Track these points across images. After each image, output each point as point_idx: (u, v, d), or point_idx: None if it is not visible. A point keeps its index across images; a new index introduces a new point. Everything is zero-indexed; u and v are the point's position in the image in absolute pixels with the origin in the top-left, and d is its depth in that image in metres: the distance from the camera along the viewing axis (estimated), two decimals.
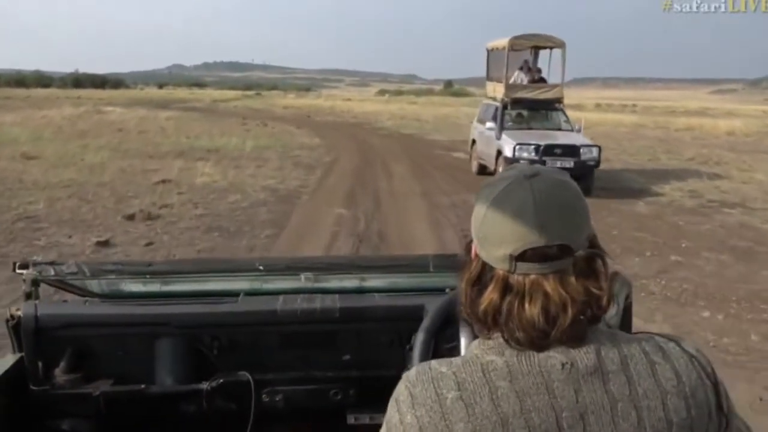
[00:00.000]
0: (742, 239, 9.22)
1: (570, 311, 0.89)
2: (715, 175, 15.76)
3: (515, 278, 0.91)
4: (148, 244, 7.99)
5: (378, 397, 1.14)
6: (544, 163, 11.81)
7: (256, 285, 2.11)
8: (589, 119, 39.35)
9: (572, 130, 13.60)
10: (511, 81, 14.41)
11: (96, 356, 1.94)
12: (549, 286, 0.90)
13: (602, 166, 13.13)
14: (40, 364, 1.89)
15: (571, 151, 12.08)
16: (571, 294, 0.89)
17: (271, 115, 41.74)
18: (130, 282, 2.07)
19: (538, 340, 0.90)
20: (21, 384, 1.87)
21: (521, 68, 14.91)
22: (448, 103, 64.28)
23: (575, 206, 0.93)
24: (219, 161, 16.25)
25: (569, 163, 11.91)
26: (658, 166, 17.78)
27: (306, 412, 2.01)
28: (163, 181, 12.47)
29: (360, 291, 2.11)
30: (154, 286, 2.07)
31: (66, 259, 3.09)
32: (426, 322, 1.57)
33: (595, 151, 12.34)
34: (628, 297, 1.68)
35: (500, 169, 11.12)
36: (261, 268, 2.10)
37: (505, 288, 0.92)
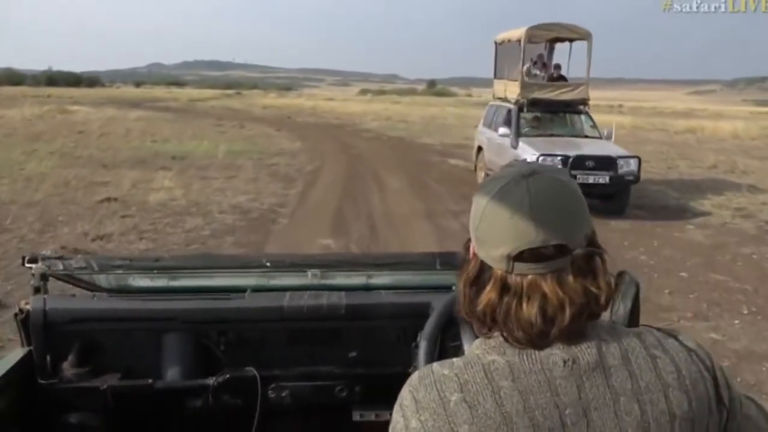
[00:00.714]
0: None
1: (568, 311, 0.88)
2: (753, 188, 13.77)
3: (513, 278, 0.91)
4: None
5: (383, 394, 1.14)
6: (574, 177, 9.72)
7: (263, 281, 2.11)
8: None
9: (601, 137, 11.52)
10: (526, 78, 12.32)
11: (104, 350, 1.95)
12: (547, 286, 0.89)
13: None
14: (48, 358, 1.90)
15: (607, 163, 9.97)
16: (569, 294, 0.89)
17: (250, 115, 39.52)
18: (137, 277, 2.07)
19: (537, 339, 0.89)
20: (29, 378, 1.88)
21: (534, 63, 12.77)
22: (432, 104, 62.33)
23: (572, 205, 0.92)
24: (184, 171, 13.99)
25: (604, 178, 9.84)
26: (682, 176, 15.79)
27: (311, 408, 2.01)
28: (109, 200, 10.21)
29: (366, 288, 2.11)
30: (162, 282, 2.07)
31: None
32: (432, 320, 1.61)
33: (633, 163, 10.23)
34: (636, 296, 1.59)
35: None
36: (268, 264, 2.11)
37: (503, 288, 0.92)
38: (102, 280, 2.05)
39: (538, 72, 12.64)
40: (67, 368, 1.91)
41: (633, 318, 1.59)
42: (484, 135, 12.83)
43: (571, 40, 12.58)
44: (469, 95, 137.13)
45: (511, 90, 12.23)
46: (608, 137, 11.44)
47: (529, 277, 0.90)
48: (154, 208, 9.78)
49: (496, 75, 13.81)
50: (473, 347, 0.96)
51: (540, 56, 12.88)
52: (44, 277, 1.98)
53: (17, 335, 1.97)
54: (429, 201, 11.29)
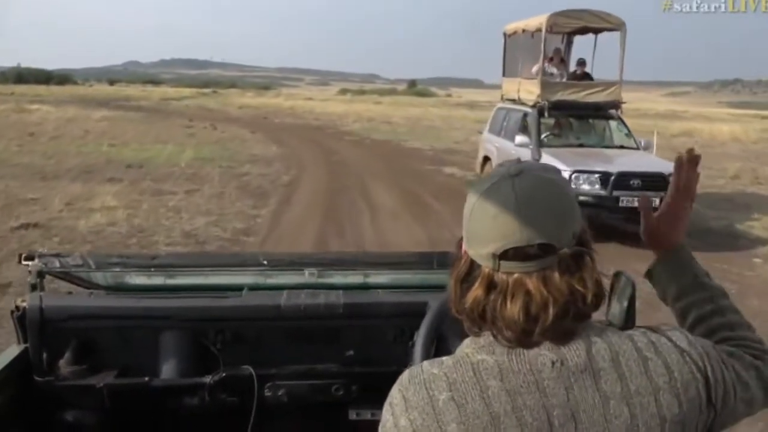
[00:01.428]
0: None
1: (551, 310, 0.88)
2: None
3: (499, 276, 0.91)
4: None
5: (380, 393, 1.05)
6: (617, 200, 7.76)
7: (260, 280, 2.14)
8: None
9: (638, 149, 9.60)
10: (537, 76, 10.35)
11: (100, 348, 1.96)
12: (531, 284, 0.89)
13: None
14: (44, 355, 1.90)
15: (657, 182, 8.03)
16: (553, 293, 0.89)
17: (225, 116, 37.33)
18: (134, 275, 2.10)
19: (523, 337, 0.90)
20: (25, 375, 1.89)
21: (551, 59, 10.82)
22: (414, 104, 60.50)
23: (560, 204, 0.92)
24: (136, 183, 11.86)
25: (653, 200, 7.90)
26: (710, 189, 13.92)
27: (308, 407, 2.01)
28: (28, 226, 8.07)
29: (364, 287, 2.15)
30: (159, 280, 2.10)
31: None
32: (427, 319, 1.64)
33: None
34: (631, 296, 1.47)
35: None
36: (265, 262, 2.10)
37: (490, 285, 0.92)
38: (99, 277, 2.07)
39: (555, 70, 10.68)
40: (64, 366, 1.91)
41: (629, 318, 1.49)
42: (491, 143, 10.79)
43: (597, 31, 10.62)
44: (449, 95, 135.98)
45: (527, 90, 10.22)
46: (646, 148, 9.48)
47: (515, 275, 0.90)
48: (84, 238, 7.67)
49: (506, 73, 11.78)
50: (463, 346, 0.95)
51: (557, 51, 10.88)
52: (41, 274, 1.95)
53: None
54: (430, 226, 9.20)
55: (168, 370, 1.95)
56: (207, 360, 1.97)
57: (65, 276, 2.05)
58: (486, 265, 0.92)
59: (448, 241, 8.03)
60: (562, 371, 0.89)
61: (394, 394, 0.94)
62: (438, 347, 1.61)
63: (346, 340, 2.01)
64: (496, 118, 11.38)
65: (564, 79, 10.51)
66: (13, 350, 1.91)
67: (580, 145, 9.48)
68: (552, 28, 10.08)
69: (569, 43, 11.45)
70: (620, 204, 7.69)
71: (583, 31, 10.74)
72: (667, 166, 8.62)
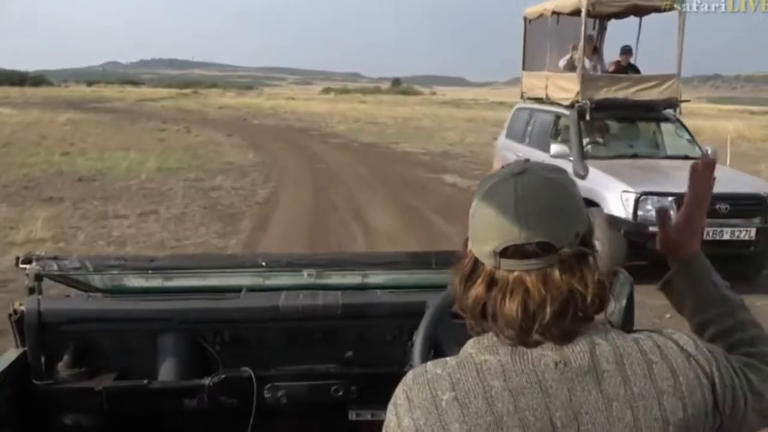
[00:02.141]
0: None
1: (549, 308, 0.88)
2: None
3: (500, 274, 0.91)
4: None
5: (380, 393, 1.11)
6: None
7: (259, 281, 2.12)
8: None
9: (707, 157, 7.49)
10: (563, 68, 8.41)
11: (99, 351, 1.96)
12: (530, 282, 0.89)
13: None
14: (42, 358, 1.91)
15: (753, 204, 6.08)
16: (551, 291, 0.89)
17: (202, 117, 35.25)
18: (132, 277, 2.09)
19: (522, 335, 0.90)
20: (24, 379, 1.88)
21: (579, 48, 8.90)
22: (400, 103, 58.58)
23: (561, 203, 0.92)
24: (80, 203, 9.84)
25: (749, 230, 5.97)
26: None
27: (307, 407, 2.02)
28: None
29: (362, 288, 2.13)
30: (157, 282, 2.09)
31: None
32: (426, 318, 1.61)
33: None
34: (630, 295, 1.65)
35: (597, 235, 5.17)
36: (263, 264, 2.10)
37: (491, 283, 0.92)
38: (97, 280, 2.05)
39: (587, 62, 8.73)
40: (62, 369, 1.91)
41: (627, 316, 1.61)
42: (512, 151, 8.75)
43: (645, 13, 8.54)
44: (434, 94, 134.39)
45: (560, 87, 8.21)
46: (711, 155, 7.53)
47: (515, 273, 0.90)
48: None
49: (527, 65, 9.71)
50: (467, 346, 0.95)
51: (589, 39, 8.80)
52: (39, 277, 1.95)
53: None
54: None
55: (167, 373, 1.94)
56: (206, 362, 1.96)
57: (63, 279, 2.03)
58: (488, 263, 0.92)
59: None
60: (565, 372, 0.88)
61: (398, 394, 0.94)
62: (436, 347, 1.57)
63: (345, 340, 2.00)
64: (517, 121, 9.39)
65: (598, 72, 8.56)
66: (12, 354, 1.90)
67: (634, 156, 7.48)
68: (594, 7, 7.98)
69: (602, 29, 9.46)
70: (708, 237, 5.63)
71: (628, 12, 8.61)
72: (759, 185, 6.69)
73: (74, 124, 26.22)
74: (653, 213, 5.94)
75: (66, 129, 23.98)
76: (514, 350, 0.90)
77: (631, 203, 6.06)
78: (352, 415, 2.01)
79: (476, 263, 0.94)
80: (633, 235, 6.11)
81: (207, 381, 1.91)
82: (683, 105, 8.11)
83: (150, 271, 2.07)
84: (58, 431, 1.94)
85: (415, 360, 1.54)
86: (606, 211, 6.26)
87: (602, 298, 0.91)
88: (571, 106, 7.68)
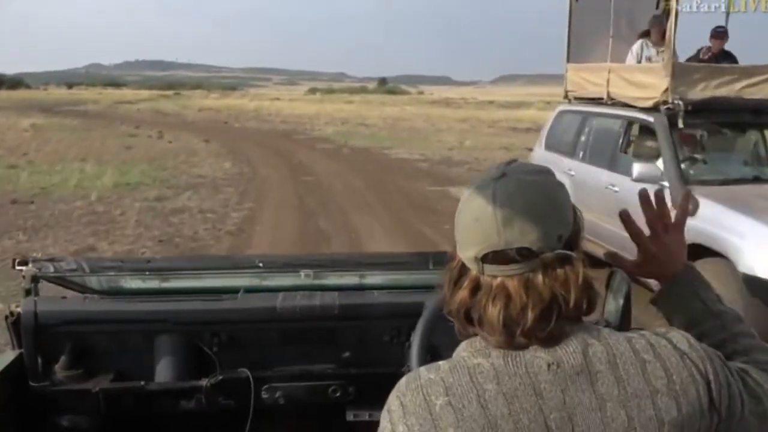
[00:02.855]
0: None
1: (530, 314, 0.88)
2: None
3: (484, 279, 0.92)
4: None
5: (377, 394, 1.10)
6: None
7: (256, 282, 2.11)
8: None
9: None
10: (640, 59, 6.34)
11: (95, 353, 1.96)
12: (512, 288, 0.89)
13: None
14: (39, 360, 1.91)
15: None
16: (533, 297, 0.88)
17: (180, 120, 33.13)
18: (129, 279, 2.09)
19: (507, 339, 0.90)
20: (21, 380, 1.89)
21: (645, 34, 6.83)
22: (388, 102, 56.66)
23: (540, 208, 0.91)
24: None
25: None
26: None
27: (305, 408, 2.02)
28: None
29: (360, 288, 2.12)
30: (154, 283, 2.09)
31: None
32: (423, 319, 1.61)
33: None
34: (627, 294, 1.65)
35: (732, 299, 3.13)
36: (260, 265, 2.09)
37: (475, 288, 0.93)
38: (93, 281, 2.05)
39: (653, 51, 6.67)
40: (59, 371, 1.91)
41: (624, 316, 1.60)
42: (556, 167, 6.68)
43: None
44: (421, 93, 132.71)
45: (631, 82, 6.07)
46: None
47: (498, 279, 0.90)
48: None
49: (571, 57, 7.36)
50: (459, 350, 0.95)
51: (656, 22, 6.73)
52: (35, 279, 1.95)
53: None
54: None
55: (164, 374, 1.93)
56: (203, 363, 1.95)
57: (59, 280, 2.03)
58: (472, 268, 0.93)
59: None
60: (558, 373, 0.88)
61: (392, 401, 0.93)
62: (434, 347, 1.58)
63: (343, 341, 1.99)
64: (561, 129, 7.26)
65: (660, 61, 6.49)
66: (8, 355, 1.90)
67: (756, 180, 5.33)
68: None
69: (667, 15, 7.28)
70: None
71: None
72: None
73: (37, 129, 24.09)
74: None
75: (26, 135, 21.86)
76: (507, 353, 0.90)
77: None
78: (350, 416, 2.00)
79: (463, 267, 0.94)
80: None
81: (204, 382, 1.91)
82: None
83: (147, 273, 2.07)
84: None
85: (413, 362, 1.54)
86: (741, 266, 4.21)
87: (590, 300, 0.91)
88: (654, 109, 5.53)
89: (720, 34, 6.50)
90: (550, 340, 0.89)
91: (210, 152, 17.80)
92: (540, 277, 0.88)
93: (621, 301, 1.66)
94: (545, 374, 0.88)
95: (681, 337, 0.95)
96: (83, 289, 2.05)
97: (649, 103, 5.62)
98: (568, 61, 7.33)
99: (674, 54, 6.25)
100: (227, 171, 14.08)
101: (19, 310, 1.89)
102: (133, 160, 15.31)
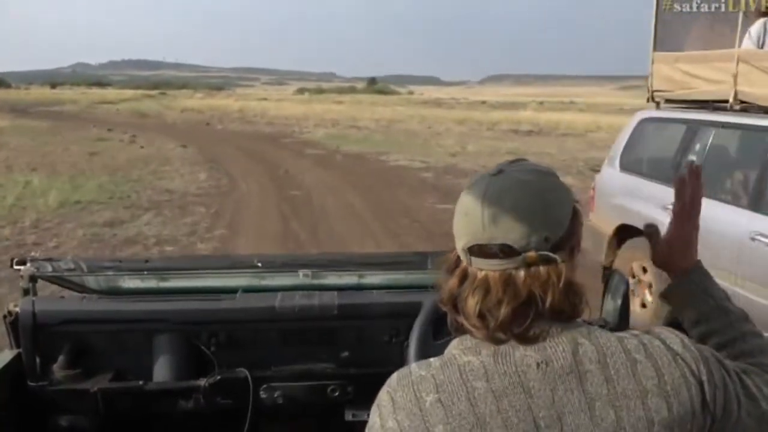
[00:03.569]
0: None
1: (504, 308, 0.88)
2: None
3: (472, 270, 0.92)
4: None
5: (376, 394, 1.05)
6: None
7: (254, 282, 2.09)
8: (560, 122, 30.69)
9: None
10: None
11: (94, 353, 1.95)
12: (493, 282, 0.90)
13: None
14: (37, 360, 1.90)
15: None
16: (509, 293, 0.89)
17: (160, 122, 31.16)
18: (127, 278, 2.07)
19: (483, 330, 0.90)
20: (19, 380, 1.88)
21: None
22: (379, 103, 54.86)
23: (528, 207, 0.90)
24: None
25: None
26: None
27: (304, 408, 2.01)
28: None
29: (358, 288, 2.10)
30: (152, 283, 2.06)
31: None
32: (420, 318, 1.64)
33: None
34: (625, 294, 1.64)
35: None
36: (259, 264, 2.08)
37: (464, 278, 0.93)
38: (91, 281, 2.04)
39: (753, 33, 4.74)
40: (57, 370, 1.90)
41: (623, 315, 1.57)
42: (641, 198, 4.69)
43: None
44: (411, 93, 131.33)
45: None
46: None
47: (483, 271, 0.91)
48: None
49: (658, 46, 5.28)
50: (450, 347, 0.95)
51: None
52: (33, 278, 1.95)
53: None
54: None
55: (162, 374, 1.92)
56: (201, 363, 1.94)
57: (58, 280, 2.02)
58: (463, 259, 0.93)
59: None
60: (547, 372, 0.88)
61: (382, 396, 0.93)
62: (432, 346, 1.59)
63: (342, 341, 1.98)
64: (648, 143, 5.26)
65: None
66: (6, 355, 1.88)
67: None
68: None
69: None
70: None
71: None
72: None
73: None
74: None
75: None
76: (497, 351, 0.90)
77: None
78: (349, 416, 1.98)
79: (459, 258, 0.95)
80: None
81: (203, 382, 1.90)
82: None
83: (145, 272, 2.05)
84: None
85: (410, 361, 1.51)
86: None
87: (573, 304, 0.90)
88: None
89: None
90: (530, 338, 0.88)
91: (185, 160, 15.76)
92: (522, 275, 0.88)
93: (619, 301, 1.66)
94: (534, 373, 0.87)
95: (674, 338, 0.94)
96: (81, 288, 2.02)
97: None
98: (654, 49, 5.28)
99: None
100: (201, 184, 12.01)
101: (17, 309, 1.88)
102: (93, 171, 13.23)
